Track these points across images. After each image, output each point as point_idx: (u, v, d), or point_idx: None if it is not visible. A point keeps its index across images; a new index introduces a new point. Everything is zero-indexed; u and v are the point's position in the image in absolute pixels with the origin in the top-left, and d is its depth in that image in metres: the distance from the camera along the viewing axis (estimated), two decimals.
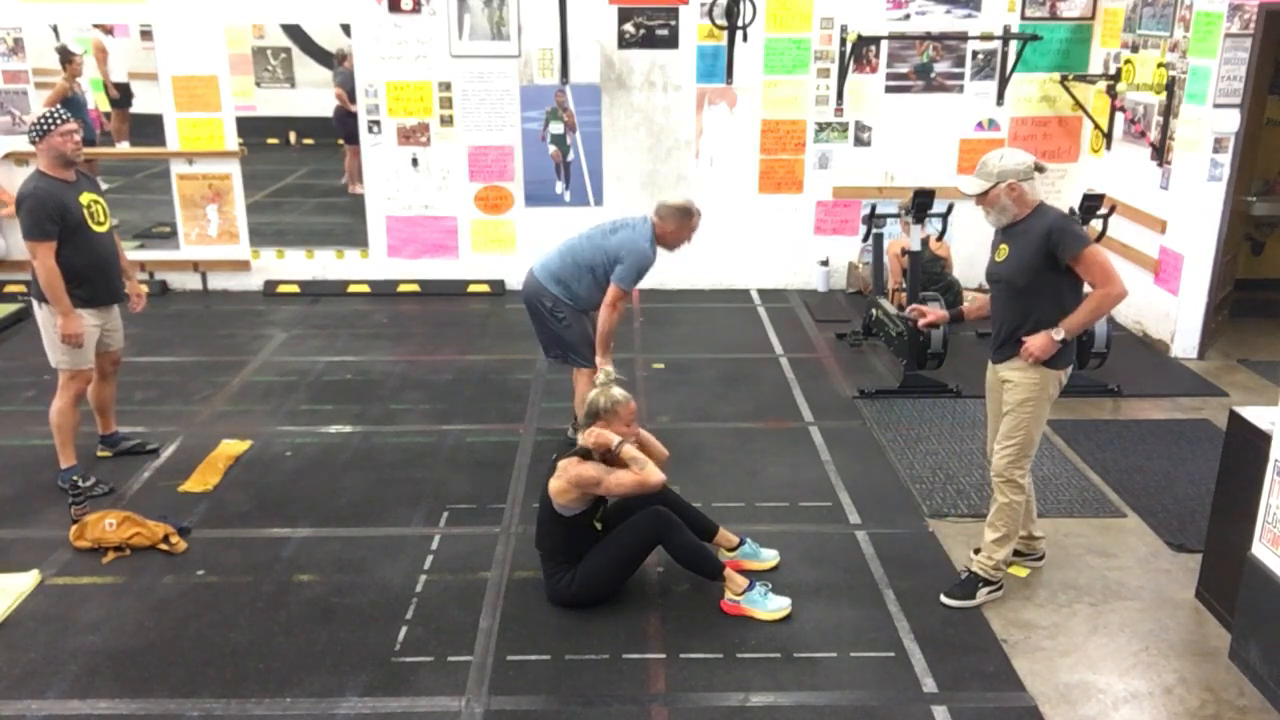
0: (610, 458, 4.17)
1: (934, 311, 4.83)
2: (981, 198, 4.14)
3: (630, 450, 4.17)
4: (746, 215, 8.72)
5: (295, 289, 8.71)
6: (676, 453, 5.70)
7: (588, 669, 3.93)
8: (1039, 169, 4.13)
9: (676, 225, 5.35)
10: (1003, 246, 4.24)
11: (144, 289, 5.68)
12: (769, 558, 4.60)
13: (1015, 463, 4.26)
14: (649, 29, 8.30)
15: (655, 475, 4.15)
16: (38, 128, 4.98)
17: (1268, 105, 7.45)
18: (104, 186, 9.87)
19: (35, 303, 5.18)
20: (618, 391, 4.28)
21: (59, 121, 4.99)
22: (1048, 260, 4.06)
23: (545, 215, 8.46)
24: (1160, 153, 7.34)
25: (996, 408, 4.40)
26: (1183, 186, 7.14)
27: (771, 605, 4.22)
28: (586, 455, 4.19)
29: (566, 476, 4.13)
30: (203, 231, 8.62)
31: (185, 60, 8.18)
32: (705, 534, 4.51)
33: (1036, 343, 4.12)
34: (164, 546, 4.71)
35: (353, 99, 11.08)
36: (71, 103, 9.86)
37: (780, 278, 8.90)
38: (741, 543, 4.60)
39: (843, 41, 8.30)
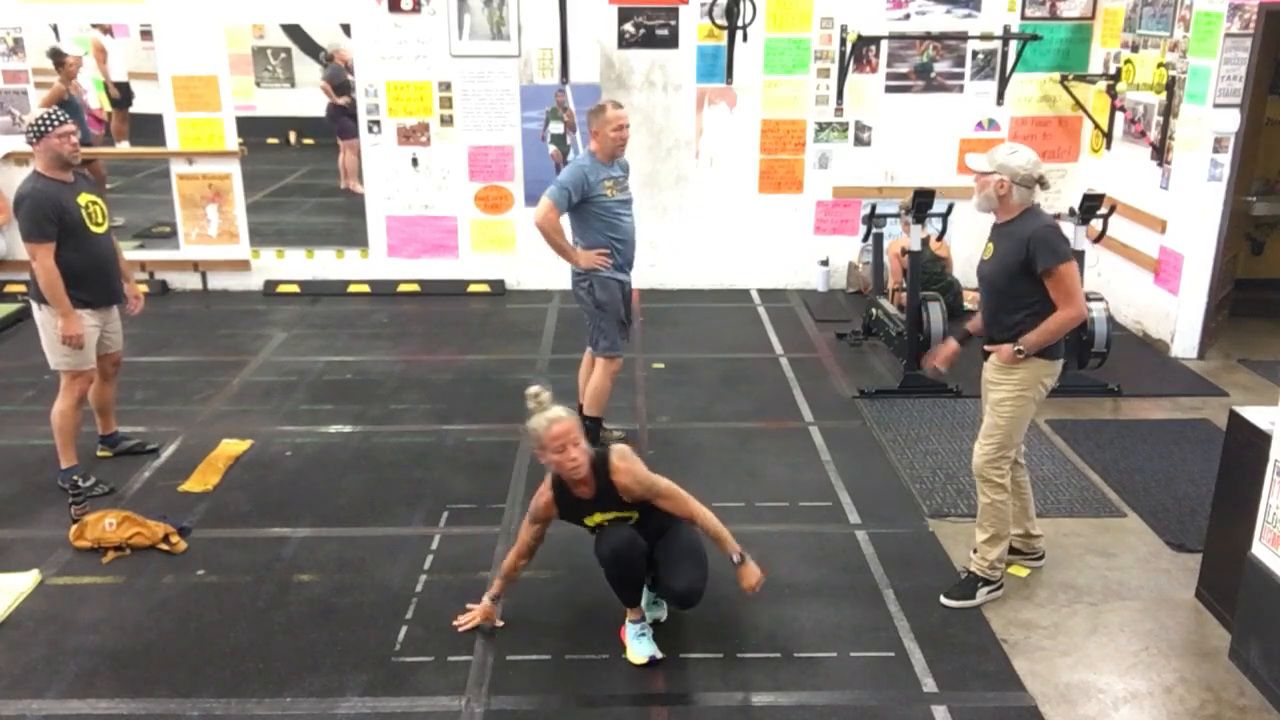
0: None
1: (945, 349, 4.61)
2: (979, 176, 4.18)
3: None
4: (746, 215, 8.72)
5: (295, 289, 8.71)
6: (676, 453, 5.72)
7: (588, 669, 3.93)
8: (1041, 184, 4.14)
9: (596, 127, 5.33)
10: (990, 245, 4.28)
11: (142, 290, 5.68)
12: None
13: (992, 461, 4.26)
14: (649, 29, 8.30)
15: (513, 564, 4.09)
16: (35, 129, 4.98)
17: (1268, 105, 7.45)
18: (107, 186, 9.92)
19: (34, 304, 5.18)
20: (541, 418, 3.83)
21: (56, 123, 4.99)
22: (1024, 266, 4.07)
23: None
24: (1160, 153, 7.34)
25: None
26: (1183, 186, 7.14)
27: (634, 646, 3.95)
28: (555, 482, 3.96)
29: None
30: (203, 231, 8.62)
31: (185, 60, 8.18)
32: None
33: (1001, 351, 4.19)
34: (164, 546, 4.72)
35: (339, 93, 11.11)
36: (68, 105, 9.85)
37: (780, 278, 8.90)
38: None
39: (843, 41, 8.30)
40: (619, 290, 5.45)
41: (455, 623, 4.16)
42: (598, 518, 3.98)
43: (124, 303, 5.47)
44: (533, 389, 3.93)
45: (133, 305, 5.53)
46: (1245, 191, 7.35)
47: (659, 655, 3.94)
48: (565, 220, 5.41)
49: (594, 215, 5.37)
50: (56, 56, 9.81)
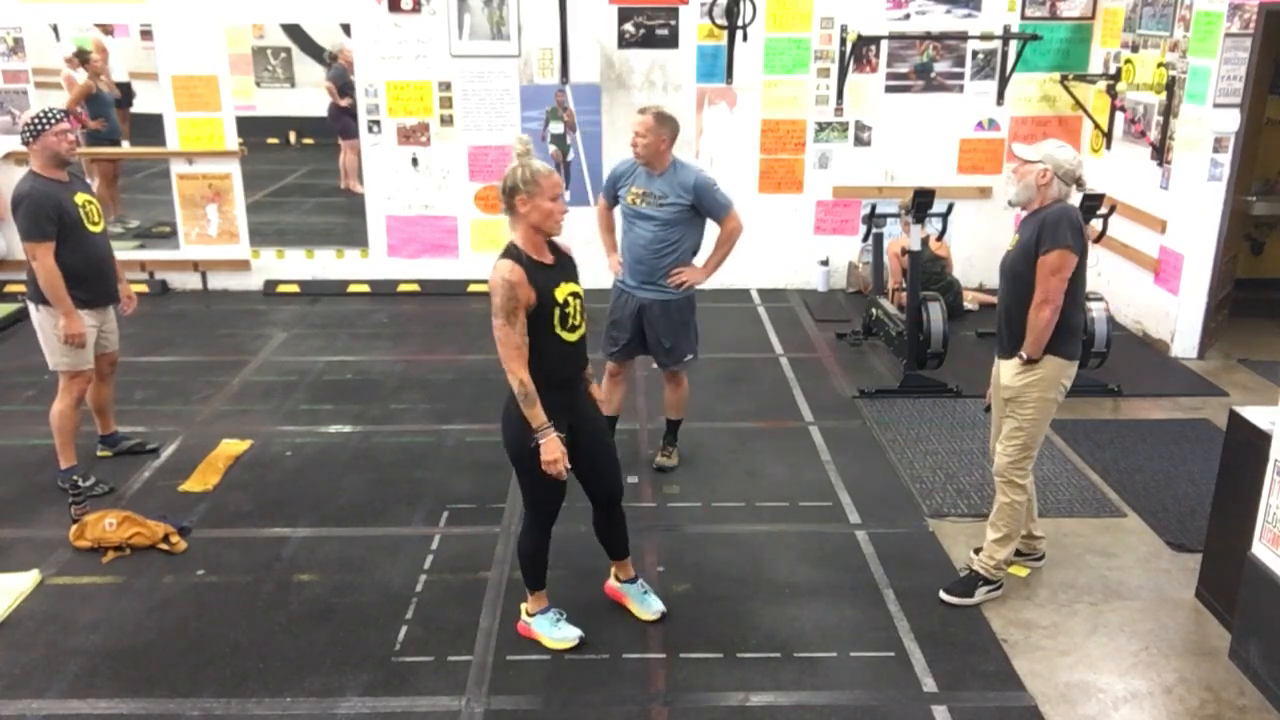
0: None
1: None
2: (1022, 163, 4.18)
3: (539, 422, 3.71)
4: (746, 215, 8.66)
5: (295, 289, 8.71)
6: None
7: (588, 669, 3.93)
8: (1079, 184, 4.17)
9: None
10: (1015, 237, 4.27)
11: (142, 290, 5.67)
12: (652, 610, 4.21)
13: (1016, 462, 4.26)
14: (649, 29, 8.29)
15: (517, 370, 3.66)
16: (31, 128, 4.95)
17: (1268, 105, 7.45)
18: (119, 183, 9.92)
19: (32, 305, 5.17)
20: (539, 163, 3.77)
21: (53, 121, 4.97)
22: (1038, 247, 4.07)
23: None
24: (1160, 153, 7.34)
25: (1001, 405, 4.40)
26: (1183, 186, 7.14)
27: (556, 634, 4.02)
28: (513, 255, 3.69)
29: (492, 276, 3.66)
30: (203, 231, 8.61)
31: (185, 60, 8.18)
32: (613, 553, 4.23)
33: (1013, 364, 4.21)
34: (164, 546, 4.72)
35: (343, 94, 11.12)
36: (97, 100, 9.88)
37: (780, 278, 8.90)
38: (633, 579, 4.28)
39: (843, 41, 8.30)
40: (614, 296, 5.39)
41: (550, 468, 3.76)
42: (564, 289, 3.76)
43: (118, 303, 5.46)
44: (522, 136, 3.95)
45: (125, 306, 5.50)
46: (1245, 191, 7.35)
47: (575, 638, 4.04)
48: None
49: (622, 215, 5.33)
50: (82, 55, 9.83)
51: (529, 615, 4.10)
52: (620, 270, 5.35)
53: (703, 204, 5.14)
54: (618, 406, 5.58)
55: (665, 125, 5.03)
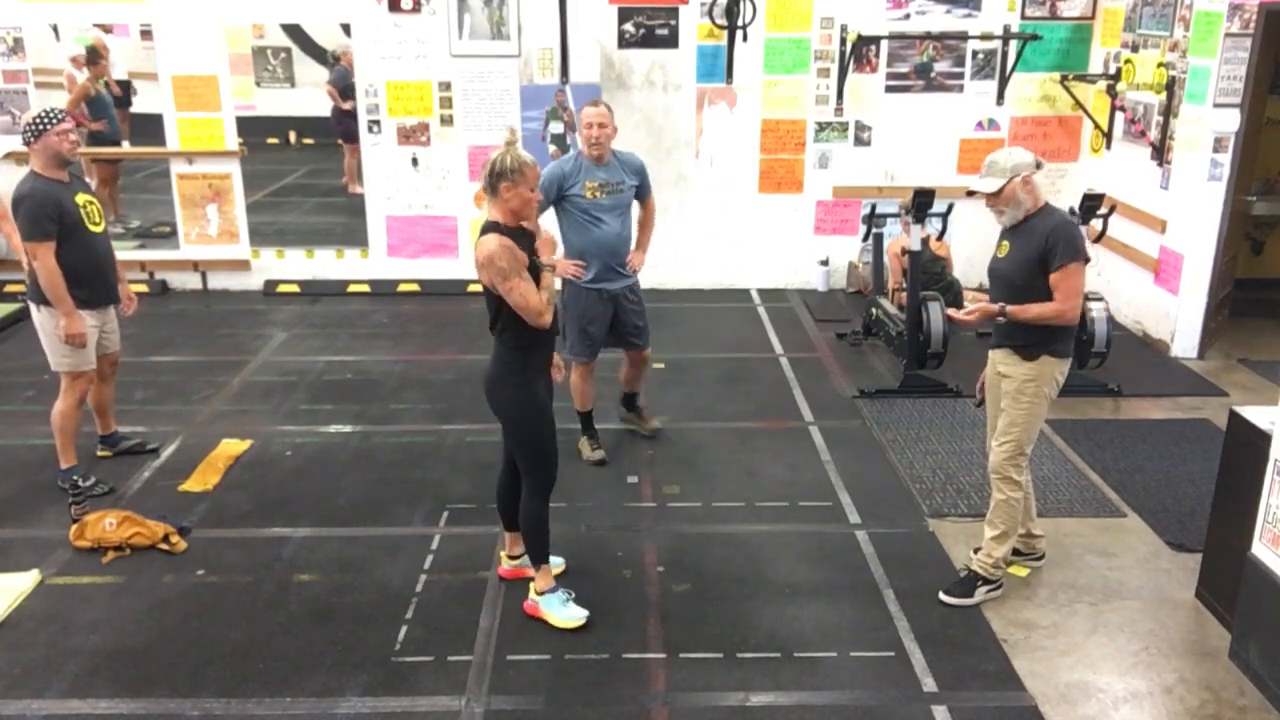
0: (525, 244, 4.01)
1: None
2: (995, 196, 4.14)
3: (549, 280, 4.08)
4: (746, 215, 8.72)
5: (295, 289, 8.71)
6: (677, 452, 5.73)
7: (588, 669, 3.93)
8: (1038, 165, 4.15)
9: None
10: (1004, 243, 4.27)
11: (142, 290, 5.67)
12: (554, 563, 4.37)
13: (1011, 459, 4.27)
14: (649, 29, 8.30)
15: (548, 317, 4.00)
16: (33, 128, 4.96)
17: (1268, 105, 7.45)
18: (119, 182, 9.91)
19: (33, 305, 5.17)
20: (528, 155, 3.99)
21: (54, 121, 4.97)
22: (1043, 261, 4.07)
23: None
24: (1160, 152, 7.34)
25: (996, 403, 4.41)
26: (1183, 186, 7.14)
27: (565, 614, 4.11)
28: (496, 229, 3.97)
29: (482, 251, 3.94)
30: (203, 231, 8.62)
31: (185, 60, 8.18)
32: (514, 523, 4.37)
33: (986, 308, 4.22)
34: (164, 546, 4.72)
35: (344, 96, 11.11)
36: (96, 102, 9.87)
37: (780, 278, 8.90)
38: (524, 553, 4.40)
39: (843, 41, 8.30)
40: (588, 301, 5.43)
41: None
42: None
43: (119, 303, 5.46)
44: (511, 126, 4.11)
45: (126, 306, 5.50)
46: (1245, 191, 7.35)
47: (584, 617, 4.14)
48: (553, 218, 5.48)
49: (569, 214, 5.43)
50: (91, 54, 9.81)
51: (537, 594, 4.13)
52: (583, 273, 5.39)
53: (643, 184, 5.55)
54: (591, 400, 5.73)
55: (612, 115, 5.40)
